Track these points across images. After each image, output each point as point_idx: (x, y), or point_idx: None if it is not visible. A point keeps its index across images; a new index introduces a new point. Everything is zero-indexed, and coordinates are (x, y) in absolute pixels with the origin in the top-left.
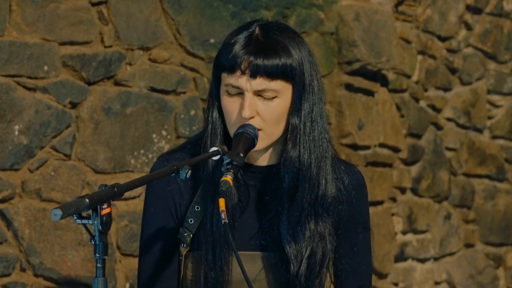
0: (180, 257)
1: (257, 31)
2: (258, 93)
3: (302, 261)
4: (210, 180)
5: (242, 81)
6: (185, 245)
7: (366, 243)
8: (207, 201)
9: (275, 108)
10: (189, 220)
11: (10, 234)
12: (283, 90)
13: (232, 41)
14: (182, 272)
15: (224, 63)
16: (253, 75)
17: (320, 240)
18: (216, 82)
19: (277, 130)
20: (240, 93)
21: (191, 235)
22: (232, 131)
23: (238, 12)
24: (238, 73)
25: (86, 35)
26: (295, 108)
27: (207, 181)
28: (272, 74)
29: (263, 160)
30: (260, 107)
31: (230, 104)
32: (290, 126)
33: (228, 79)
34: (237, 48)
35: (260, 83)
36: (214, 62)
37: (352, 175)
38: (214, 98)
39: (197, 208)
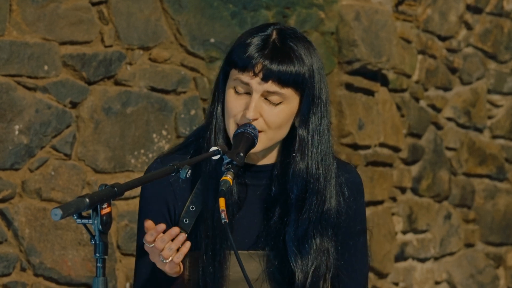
0: None
1: (274, 35)
2: (265, 96)
3: (308, 274)
4: (210, 179)
5: (253, 82)
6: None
7: (364, 246)
8: (207, 199)
9: (278, 113)
10: (184, 220)
11: (10, 234)
12: (291, 97)
13: (248, 41)
14: None
15: (237, 61)
16: (265, 79)
17: (324, 254)
18: (224, 78)
19: (278, 135)
20: (247, 93)
21: (186, 235)
22: (230, 127)
23: (238, 12)
24: (251, 73)
25: (86, 35)
26: (303, 120)
27: (207, 179)
28: (284, 81)
29: (262, 160)
30: (265, 110)
31: (234, 101)
32: (298, 138)
33: (238, 75)
34: (253, 49)
35: (270, 87)
36: (226, 58)
37: (349, 173)
38: (220, 93)
39: (192, 208)
